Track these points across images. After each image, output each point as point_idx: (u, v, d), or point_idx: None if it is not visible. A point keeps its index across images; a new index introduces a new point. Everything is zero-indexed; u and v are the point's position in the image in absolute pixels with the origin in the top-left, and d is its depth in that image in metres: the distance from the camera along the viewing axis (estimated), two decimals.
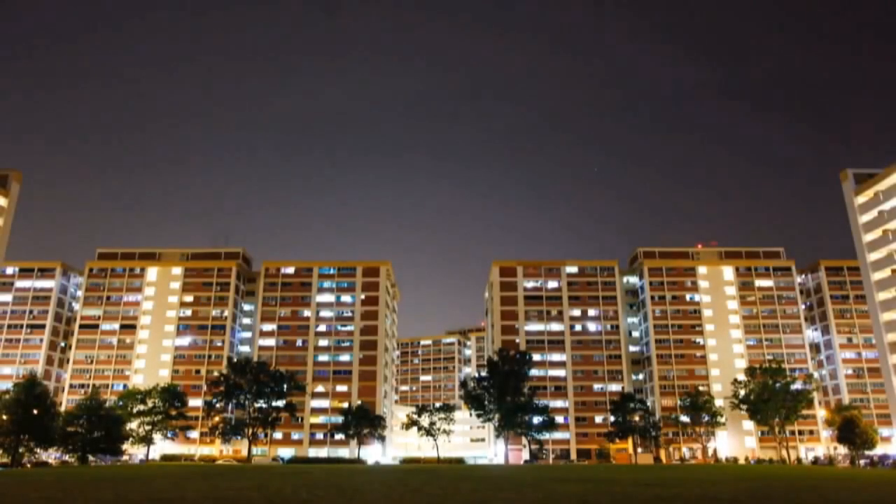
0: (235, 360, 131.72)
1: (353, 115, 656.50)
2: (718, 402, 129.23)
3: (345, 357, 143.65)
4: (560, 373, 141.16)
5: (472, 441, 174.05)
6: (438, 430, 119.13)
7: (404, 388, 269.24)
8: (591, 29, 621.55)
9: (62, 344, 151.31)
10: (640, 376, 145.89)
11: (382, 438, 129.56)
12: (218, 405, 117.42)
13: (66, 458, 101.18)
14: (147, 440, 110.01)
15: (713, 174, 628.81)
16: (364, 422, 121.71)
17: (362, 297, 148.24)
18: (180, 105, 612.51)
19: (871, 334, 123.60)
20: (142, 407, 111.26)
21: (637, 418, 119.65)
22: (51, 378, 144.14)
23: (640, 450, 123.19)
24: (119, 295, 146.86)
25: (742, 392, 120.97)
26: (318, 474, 46.89)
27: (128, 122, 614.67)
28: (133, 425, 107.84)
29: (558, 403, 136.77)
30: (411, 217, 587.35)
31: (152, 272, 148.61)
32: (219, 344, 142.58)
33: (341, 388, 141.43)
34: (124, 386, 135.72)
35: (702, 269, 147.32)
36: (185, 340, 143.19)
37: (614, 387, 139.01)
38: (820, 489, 34.27)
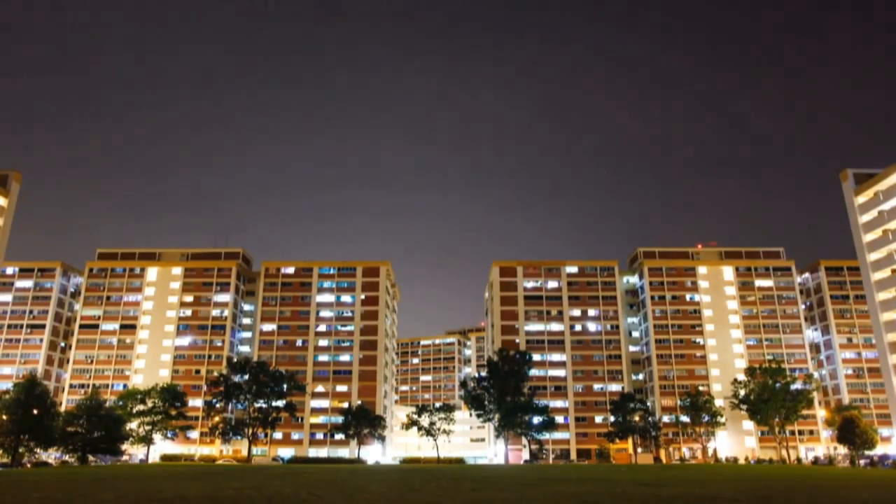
0: (235, 360, 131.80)
1: (353, 115, 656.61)
2: (718, 402, 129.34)
3: (345, 357, 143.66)
4: (560, 373, 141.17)
5: (472, 441, 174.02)
6: (438, 430, 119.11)
7: (404, 388, 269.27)
8: (590, 28, 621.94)
9: (62, 344, 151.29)
10: (640, 376, 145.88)
11: (382, 438, 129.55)
12: (218, 405, 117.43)
13: (66, 458, 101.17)
14: (147, 440, 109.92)
15: (713, 174, 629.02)
16: (364, 422, 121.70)
17: (362, 297, 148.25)
18: (180, 105, 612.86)
19: (871, 334, 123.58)
20: (142, 407, 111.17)
21: (637, 418, 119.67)
22: (51, 378, 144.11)
23: (640, 450, 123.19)
24: (119, 295, 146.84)
25: (742, 392, 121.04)
26: (318, 474, 46.87)
27: (128, 123, 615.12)
28: (133, 425, 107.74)
29: (558, 403, 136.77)
30: (411, 217, 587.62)
31: (152, 272, 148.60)
32: (219, 344, 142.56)
33: (341, 388, 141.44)
34: (124, 386, 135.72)
35: (702, 269, 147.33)
36: (185, 340, 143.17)
37: (614, 387, 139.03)
38: (820, 489, 34.25)
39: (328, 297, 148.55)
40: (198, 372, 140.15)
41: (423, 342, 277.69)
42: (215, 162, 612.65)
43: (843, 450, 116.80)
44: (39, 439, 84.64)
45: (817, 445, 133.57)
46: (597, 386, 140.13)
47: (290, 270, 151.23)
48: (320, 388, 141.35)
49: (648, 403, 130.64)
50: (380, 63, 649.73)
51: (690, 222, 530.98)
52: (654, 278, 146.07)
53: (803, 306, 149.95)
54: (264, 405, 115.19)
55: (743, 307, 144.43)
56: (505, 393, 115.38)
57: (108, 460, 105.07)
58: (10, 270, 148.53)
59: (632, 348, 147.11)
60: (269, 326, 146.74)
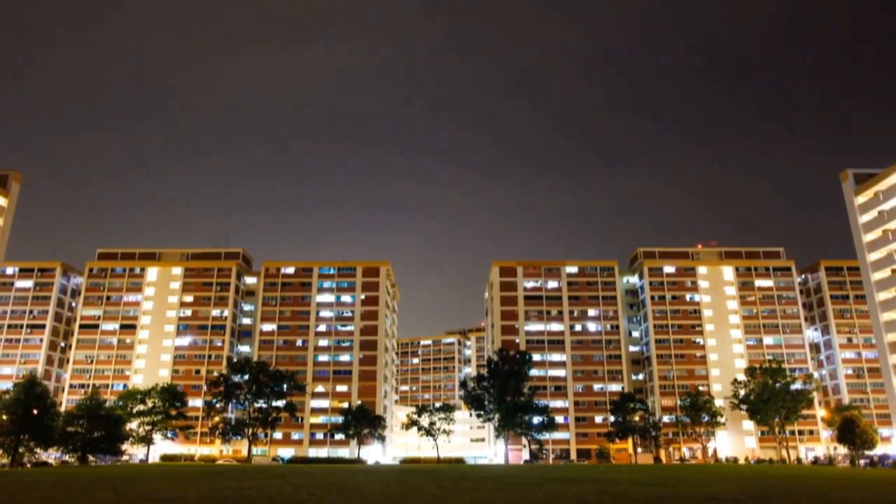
0: (235, 360, 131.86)
1: (353, 116, 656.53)
2: (718, 402, 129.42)
3: (345, 357, 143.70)
4: (560, 373, 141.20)
5: (472, 441, 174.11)
6: (438, 430, 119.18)
7: (404, 388, 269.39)
8: (592, 30, 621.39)
9: (62, 344, 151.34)
10: (640, 376, 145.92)
11: (382, 438, 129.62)
12: (218, 405, 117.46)
13: (66, 458, 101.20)
14: (147, 440, 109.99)
15: (713, 174, 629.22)
16: (364, 422, 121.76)
17: (362, 297, 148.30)
18: (180, 105, 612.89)
19: (871, 334, 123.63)
20: (142, 407, 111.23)
21: (637, 418, 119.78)
22: (51, 378, 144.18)
23: (640, 450, 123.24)
24: (119, 295, 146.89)
25: (742, 392, 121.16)
26: (318, 474, 46.88)
27: (128, 122, 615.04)
28: (133, 425, 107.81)
29: (558, 403, 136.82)
30: (411, 217, 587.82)
31: (152, 272, 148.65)
32: (219, 344, 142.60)
33: (341, 388, 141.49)
34: (124, 386, 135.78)
35: (702, 269, 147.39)
36: (185, 340, 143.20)
37: (614, 387, 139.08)
38: (820, 489, 34.27)
39: (328, 297, 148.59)
40: (198, 372, 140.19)
41: (423, 342, 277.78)
42: (216, 162, 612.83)
43: (843, 450, 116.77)
44: (39, 439, 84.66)
45: (817, 445, 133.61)
46: (597, 386, 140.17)
47: (290, 270, 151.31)
48: (320, 388, 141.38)
49: (648, 403, 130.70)
50: (379, 64, 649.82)
51: (690, 222, 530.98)
52: (654, 278, 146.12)
53: (803, 306, 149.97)
54: (264, 405, 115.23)
55: (743, 307, 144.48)
56: (505, 393, 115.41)
57: (108, 460, 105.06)
58: (10, 270, 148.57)
59: (632, 348, 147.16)
60: (269, 326, 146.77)
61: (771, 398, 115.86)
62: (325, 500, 24.32)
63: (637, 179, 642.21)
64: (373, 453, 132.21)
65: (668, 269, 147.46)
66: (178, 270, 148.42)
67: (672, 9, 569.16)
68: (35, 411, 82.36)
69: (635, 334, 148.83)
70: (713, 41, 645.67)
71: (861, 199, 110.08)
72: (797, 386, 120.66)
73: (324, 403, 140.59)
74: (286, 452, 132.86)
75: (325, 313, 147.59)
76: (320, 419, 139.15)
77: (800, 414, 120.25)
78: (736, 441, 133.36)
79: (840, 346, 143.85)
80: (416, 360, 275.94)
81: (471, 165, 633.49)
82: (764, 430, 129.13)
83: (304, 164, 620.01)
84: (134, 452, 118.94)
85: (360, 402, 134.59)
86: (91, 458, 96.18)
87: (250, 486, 31.34)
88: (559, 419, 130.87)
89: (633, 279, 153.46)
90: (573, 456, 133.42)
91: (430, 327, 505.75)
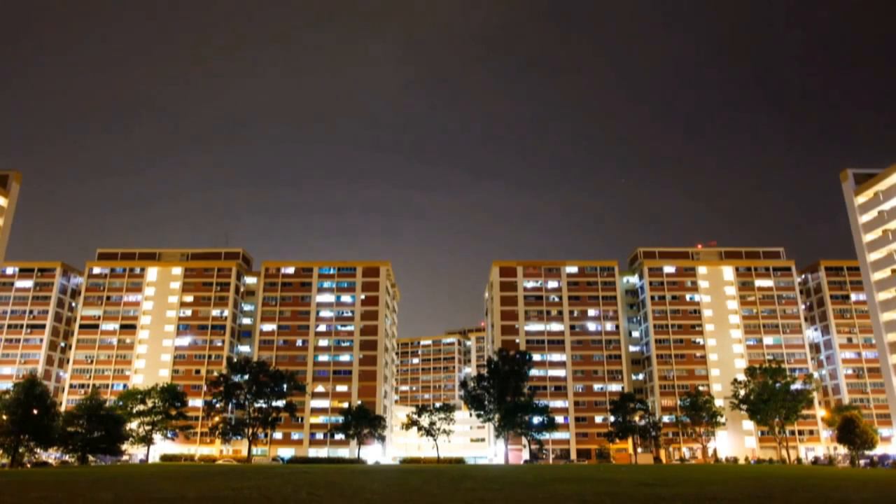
0: (235, 360, 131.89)
1: (352, 116, 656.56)
2: (718, 402, 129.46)
3: (345, 357, 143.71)
4: (560, 373, 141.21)
5: (472, 441, 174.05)
6: (438, 430, 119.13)
7: (404, 388, 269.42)
8: (592, 27, 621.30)
9: (62, 344, 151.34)
10: (640, 376, 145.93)
11: (382, 438, 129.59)
12: (218, 405, 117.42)
13: (66, 458, 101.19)
14: (147, 440, 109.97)
15: (713, 174, 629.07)
16: (364, 422, 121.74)
17: (362, 297, 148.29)
18: (180, 105, 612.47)
19: (871, 334, 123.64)
20: (142, 407, 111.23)
21: (637, 418, 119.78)
22: (51, 378, 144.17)
23: (640, 450, 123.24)
24: (119, 295, 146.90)
25: (742, 392, 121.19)
26: (318, 474, 46.89)
27: (128, 122, 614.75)
28: (133, 425, 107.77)
29: (558, 403, 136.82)
30: (411, 217, 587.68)
31: (152, 272, 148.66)
32: (219, 344, 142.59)
33: (341, 388, 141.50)
34: (124, 386, 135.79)
35: (702, 269, 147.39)
36: (185, 340, 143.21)
37: (614, 387, 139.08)
38: (820, 489, 34.26)
39: (328, 297, 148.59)
40: (198, 372, 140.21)
41: (423, 342, 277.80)
42: (216, 162, 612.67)
43: (843, 450, 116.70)
44: (39, 439, 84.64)
45: (817, 445, 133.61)
46: (597, 386, 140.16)
47: (290, 270, 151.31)
48: (320, 388, 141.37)
49: (648, 403, 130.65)
50: (379, 65, 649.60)
51: (690, 222, 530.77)
52: (654, 278, 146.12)
53: (803, 306, 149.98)
54: (264, 405, 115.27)
55: (743, 307, 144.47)
56: (505, 393, 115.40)
57: (108, 460, 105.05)
58: (10, 270, 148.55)
59: (632, 348, 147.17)
60: (269, 326, 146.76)
61: (771, 398, 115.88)
62: (325, 500, 24.33)
63: (637, 179, 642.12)
64: (373, 453, 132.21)
65: (668, 269, 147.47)
66: (178, 270, 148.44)
67: (672, 10, 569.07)
68: (35, 411, 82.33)
69: (635, 334, 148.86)
70: (713, 41, 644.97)
71: (861, 199, 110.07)
72: (797, 386, 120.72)
73: (324, 403, 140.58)
74: (286, 452, 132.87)
75: (325, 313, 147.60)
76: (320, 419, 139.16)
77: (800, 414, 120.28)
78: (736, 441, 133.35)
79: (840, 346, 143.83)
80: (416, 360, 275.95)
81: (471, 166, 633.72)
82: (764, 430, 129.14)
83: (304, 165, 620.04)
84: (134, 452, 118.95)
85: (360, 402, 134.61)
86: (91, 458, 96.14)
87: (250, 486, 31.36)
88: (559, 419, 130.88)
89: (633, 279, 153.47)
90: (573, 456, 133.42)
91: (430, 327, 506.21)
